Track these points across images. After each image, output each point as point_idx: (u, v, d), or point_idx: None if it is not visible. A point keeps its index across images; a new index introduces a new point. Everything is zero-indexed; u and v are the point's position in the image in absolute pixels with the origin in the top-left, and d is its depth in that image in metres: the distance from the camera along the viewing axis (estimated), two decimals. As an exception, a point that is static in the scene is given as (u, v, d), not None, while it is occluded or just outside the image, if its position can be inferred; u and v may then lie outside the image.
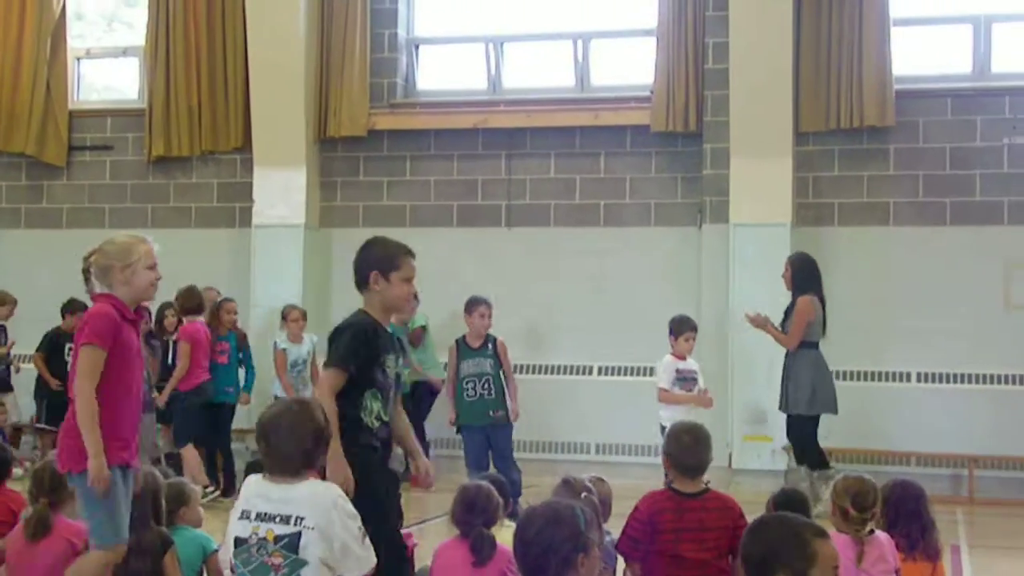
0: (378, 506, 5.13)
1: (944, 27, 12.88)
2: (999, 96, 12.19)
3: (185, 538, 5.58)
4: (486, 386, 9.86)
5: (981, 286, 11.85)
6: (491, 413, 9.86)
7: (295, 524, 4.15)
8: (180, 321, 11.24)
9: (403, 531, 5.61)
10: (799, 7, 12.29)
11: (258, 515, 4.21)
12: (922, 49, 12.73)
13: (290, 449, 4.27)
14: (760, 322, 10.51)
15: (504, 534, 5.52)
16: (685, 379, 9.75)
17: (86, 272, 5.59)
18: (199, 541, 5.68)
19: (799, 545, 3.50)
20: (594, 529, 3.75)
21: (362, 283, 5.59)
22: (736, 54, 12.21)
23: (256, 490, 4.29)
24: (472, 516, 5.41)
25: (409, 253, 5.65)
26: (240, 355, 11.48)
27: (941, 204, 12.20)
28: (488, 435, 9.90)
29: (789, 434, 10.69)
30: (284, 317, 11.53)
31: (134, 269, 5.50)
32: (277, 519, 4.18)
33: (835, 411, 10.45)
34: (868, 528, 5.30)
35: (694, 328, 9.92)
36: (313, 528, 4.14)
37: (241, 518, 4.26)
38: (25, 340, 12.70)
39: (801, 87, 12.35)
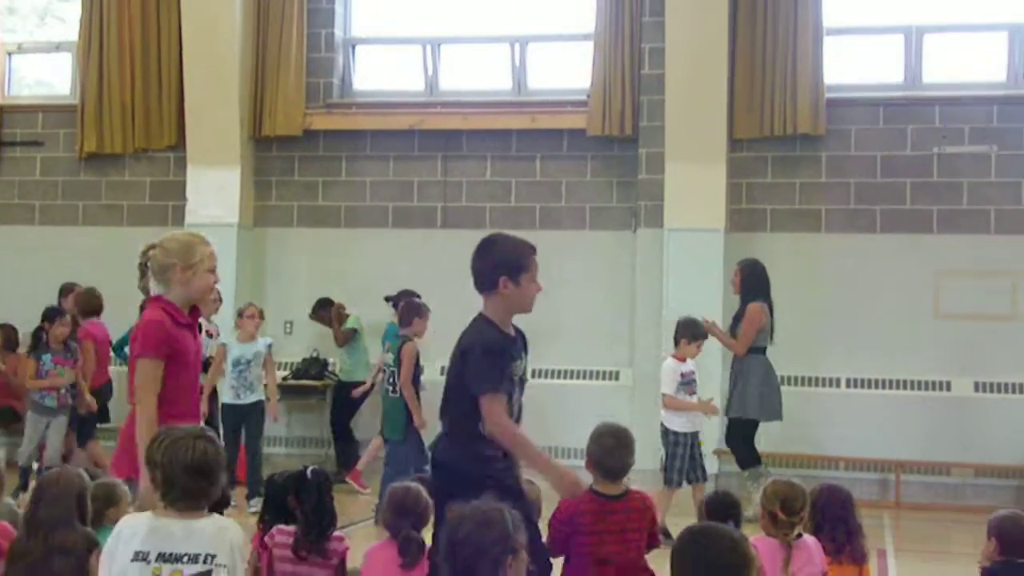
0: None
1: (876, 37, 13.04)
2: (929, 106, 12.36)
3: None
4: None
5: (910, 293, 12.01)
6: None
7: (205, 563, 3.87)
8: (77, 323, 11.16)
9: (336, 534, 5.59)
10: (735, 15, 12.39)
11: (160, 555, 3.87)
12: (855, 59, 12.89)
13: (201, 483, 3.94)
14: (708, 327, 10.51)
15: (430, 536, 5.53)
16: (689, 382, 9.75)
17: (143, 267, 5.39)
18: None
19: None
20: (522, 532, 3.76)
21: (488, 286, 5.23)
22: (672, 60, 12.28)
23: (150, 526, 3.94)
24: (401, 518, 5.40)
25: (533, 250, 5.32)
26: None
27: (872, 212, 12.35)
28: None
29: (729, 439, 10.75)
30: (240, 314, 11.14)
31: (195, 270, 5.35)
32: (185, 558, 3.87)
33: (780, 418, 10.57)
34: (796, 532, 5.35)
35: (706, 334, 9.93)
36: (224, 566, 3.88)
37: (136, 560, 3.89)
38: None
39: (736, 94, 12.45)
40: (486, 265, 5.26)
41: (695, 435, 9.67)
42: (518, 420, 5.08)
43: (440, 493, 4.91)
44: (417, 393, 9.80)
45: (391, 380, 9.90)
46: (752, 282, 10.64)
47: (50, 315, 11.01)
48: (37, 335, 10.96)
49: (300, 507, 5.54)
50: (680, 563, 3.56)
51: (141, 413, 5.09)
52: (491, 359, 5.00)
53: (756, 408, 10.42)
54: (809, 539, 5.40)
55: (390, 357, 10.02)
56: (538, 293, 5.23)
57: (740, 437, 10.54)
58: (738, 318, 10.59)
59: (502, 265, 5.21)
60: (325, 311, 12.55)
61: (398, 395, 9.82)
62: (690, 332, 9.77)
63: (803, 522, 5.43)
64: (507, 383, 5.00)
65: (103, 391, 11.39)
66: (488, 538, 3.64)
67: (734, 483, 11.06)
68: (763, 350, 10.54)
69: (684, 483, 9.53)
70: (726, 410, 10.64)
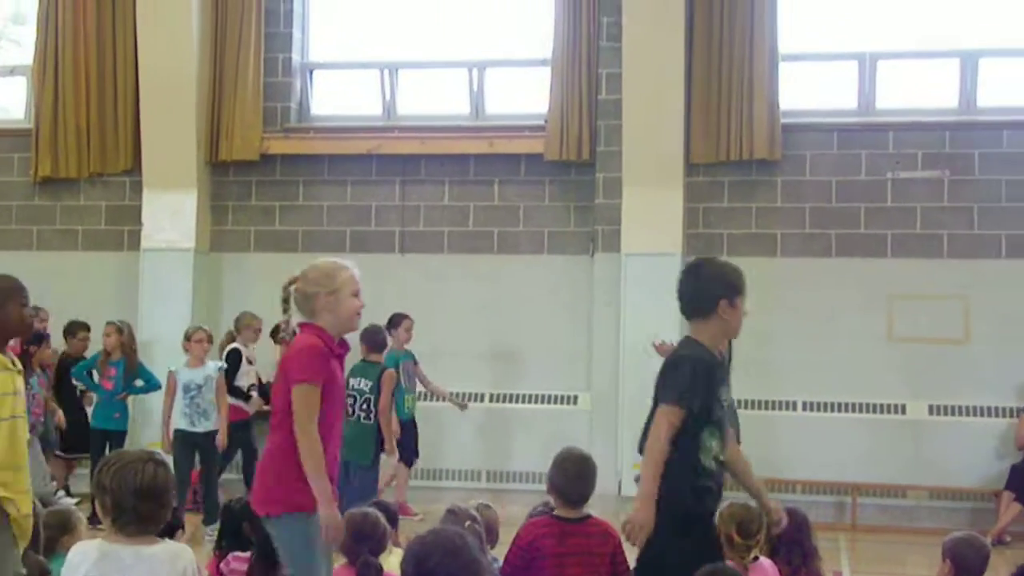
0: (708, 555, 4.72)
1: (831, 63, 13.15)
2: (883, 131, 12.48)
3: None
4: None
5: (865, 317, 12.10)
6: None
7: None
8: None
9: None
10: (691, 42, 12.48)
11: None
12: (809, 84, 13.00)
13: (151, 506, 3.91)
14: (666, 351, 10.46)
15: (391, 560, 5.51)
16: None
17: (286, 302, 5.31)
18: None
19: None
20: (482, 555, 3.78)
21: (706, 311, 5.06)
22: (629, 85, 12.35)
23: (100, 552, 3.92)
24: (359, 543, 5.38)
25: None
26: (131, 380, 11.34)
27: (827, 236, 12.44)
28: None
29: None
30: (188, 338, 10.99)
31: (338, 297, 5.24)
32: None
33: None
34: (752, 555, 5.37)
35: None
36: None
37: None
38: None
39: (692, 119, 12.52)
40: (705, 288, 5.09)
41: None
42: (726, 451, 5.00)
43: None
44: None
45: (364, 407, 9.88)
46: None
47: (36, 339, 10.84)
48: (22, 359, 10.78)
49: (254, 534, 5.51)
50: None
51: (306, 443, 4.90)
52: (696, 377, 4.89)
53: None
54: (765, 562, 5.43)
55: (365, 384, 9.97)
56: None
57: None
58: None
59: (724, 288, 5.10)
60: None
61: (371, 422, 9.81)
62: None
63: (759, 545, 5.46)
64: (713, 405, 4.91)
65: None
66: (457, 564, 3.68)
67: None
68: None
69: None
70: None
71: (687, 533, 4.73)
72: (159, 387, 11.33)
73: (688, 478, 4.80)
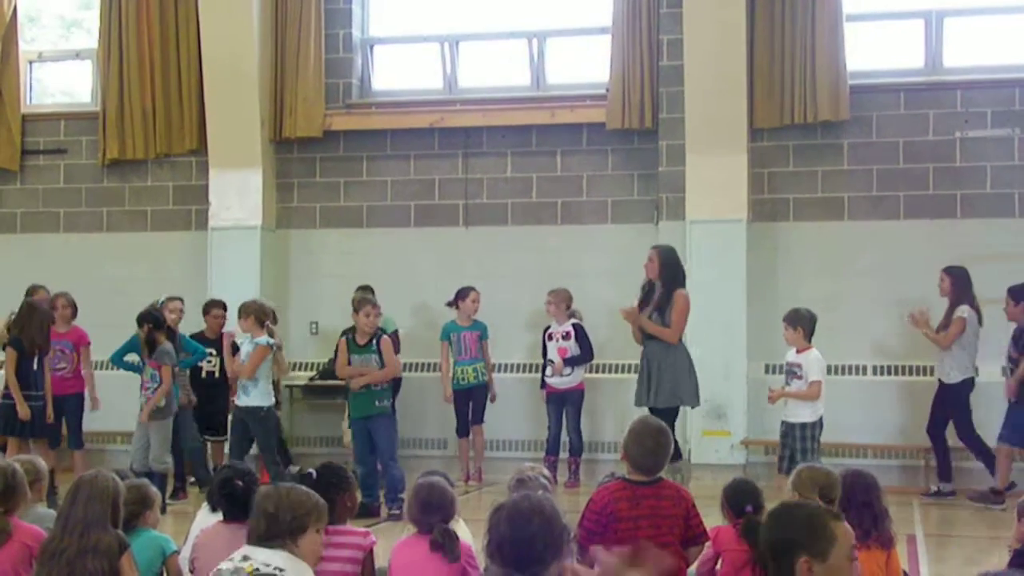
0: None
1: (896, 22, 12.98)
2: (951, 90, 12.29)
3: (145, 540, 5.57)
4: None
5: (935, 280, 11.91)
6: (376, 403, 10.19)
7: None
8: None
9: (358, 530, 5.60)
10: (752, 4, 12.35)
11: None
12: (875, 44, 12.83)
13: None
14: (632, 315, 10.32)
15: (459, 529, 5.54)
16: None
17: None
18: (158, 543, 5.67)
19: (821, 527, 3.65)
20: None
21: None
22: (690, 51, 12.26)
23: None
24: (429, 514, 5.41)
25: None
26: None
27: (895, 198, 12.29)
28: (370, 429, 10.19)
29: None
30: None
31: None
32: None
33: (698, 403, 10.49)
34: None
35: (784, 319, 9.96)
36: None
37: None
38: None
39: (755, 83, 12.41)
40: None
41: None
42: None
43: None
44: None
45: None
46: (673, 269, 10.32)
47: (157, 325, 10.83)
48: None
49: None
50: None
51: None
52: None
53: (694, 396, 10.20)
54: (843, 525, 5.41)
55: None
56: None
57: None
58: (661, 305, 10.18)
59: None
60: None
61: None
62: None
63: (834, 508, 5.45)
64: None
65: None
66: (554, 529, 3.79)
67: (761, 472, 11.10)
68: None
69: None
70: (643, 401, 10.17)
71: None
72: (205, 355, 11.55)
73: None
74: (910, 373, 12.00)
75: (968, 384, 11.16)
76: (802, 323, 9.77)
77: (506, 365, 12.68)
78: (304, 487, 4.78)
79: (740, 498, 5.86)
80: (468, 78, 13.70)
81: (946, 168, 12.19)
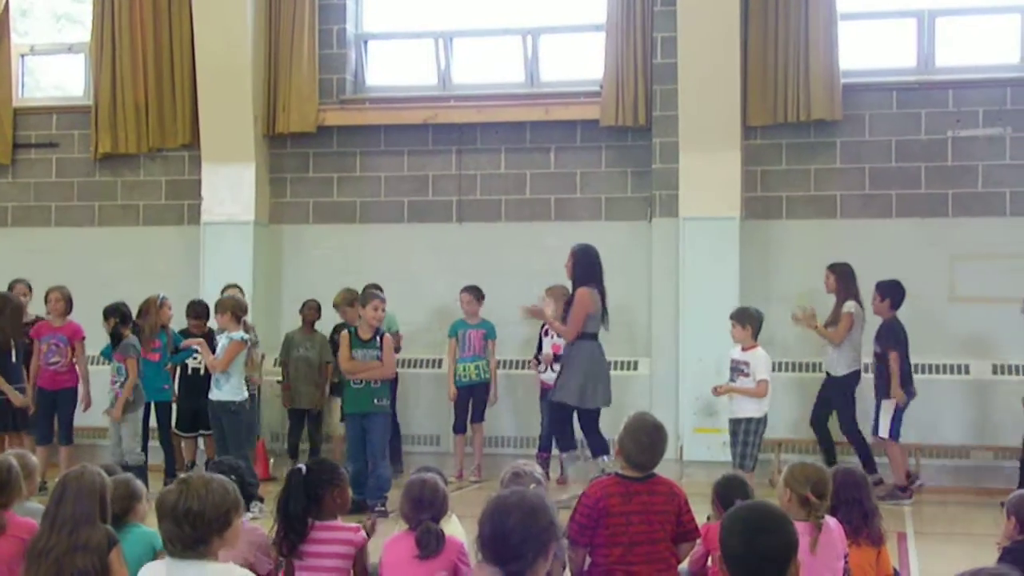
0: None
1: (889, 21, 13.01)
2: (943, 89, 12.33)
3: (135, 535, 5.56)
4: None
5: (926, 277, 11.96)
6: (375, 401, 10.19)
7: None
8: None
9: (349, 525, 5.62)
10: (747, 2, 12.37)
11: None
12: (867, 43, 12.86)
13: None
14: (537, 312, 10.75)
15: (451, 526, 5.56)
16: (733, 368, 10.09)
17: None
18: (148, 538, 5.65)
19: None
20: (557, 517, 3.86)
21: None
22: (684, 49, 12.27)
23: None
24: (419, 511, 5.43)
25: None
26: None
27: (887, 196, 12.33)
28: (364, 426, 10.18)
29: (551, 422, 11.05)
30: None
31: None
32: None
33: (608, 404, 10.58)
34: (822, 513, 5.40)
35: (731, 315, 10.20)
36: None
37: None
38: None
39: (749, 81, 12.43)
40: None
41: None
42: None
43: None
44: None
45: None
46: (583, 268, 10.63)
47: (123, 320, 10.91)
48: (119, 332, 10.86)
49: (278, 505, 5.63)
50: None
51: None
52: None
53: (577, 394, 10.41)
54: (831, 520, 5.42)
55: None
56: None
57: (558, 420, 10.73)
58: (569, 303, 10.59)
59: None
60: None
61: None
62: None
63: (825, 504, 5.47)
64: None
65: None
66: (537, 526, 3.74)
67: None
68: (594, 336, 10.56)
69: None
70: (551, 395, 10.77)
71: None
72: (194, 351, 11.46)
73: None
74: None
75: (854, 377, 11.30)
76: (751, 322, 10.07)
77: (499, 362, 12.66)
78: (217, 475, 4.42)
79: (731, 494, 5.88)
80: (462, 74, 13.70)
81: (938, 167, 12.22)
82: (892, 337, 11.00)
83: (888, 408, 10.93)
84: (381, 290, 10.95)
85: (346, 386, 10.45)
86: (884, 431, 10.93)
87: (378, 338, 10.26)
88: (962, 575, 3.29)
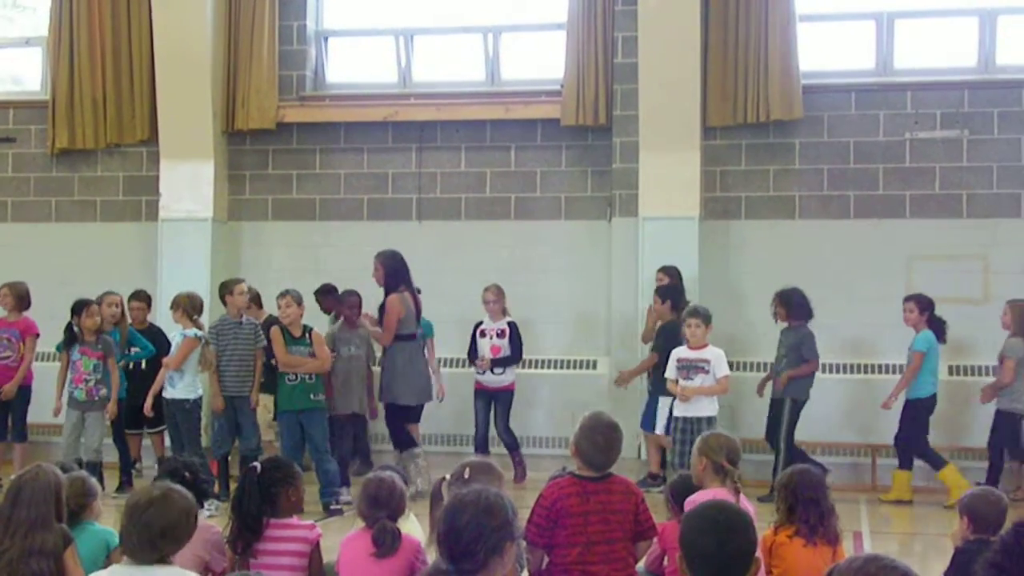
0: None
1: (848, 23, 13.07)
2: (901, 91, 12.41)
3: (89, 533, 5.52)
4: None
5: (884, 278, 12.04)
6: (312, 396, 10.26)
7: None
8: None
9: (303, 523, 5.60)
10: (706, 3, 12.40)
11: None
12: (827, 45, 12.92)
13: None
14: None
15: (408, 525, 5.54)
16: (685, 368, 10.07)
17: None
18: (102, 536, 5.62)
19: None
20: (517, 518, 3.83)
21: None
22: (645, 49, 12.29)
23: None
24: (376, 509, 5.41)
25: None
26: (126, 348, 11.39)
27: (845, 198, 12.40)
28: (302, 423, 10.20)
29: (387, 422, 11.32)
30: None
31: None
32: None
33: (429, 399, 11.29)
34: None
35: (692, 314, 10.15)
36: None
37: None
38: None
39: (708, 82, 12.47)
40: None
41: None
42: None
43: None
44: None
45: None
46: (390, 274, 11.15)
47: (79, 307, 10.75)
48: (70, 329, 10.75)
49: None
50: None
51: None
52: None
53: (406, 392, 11.00)
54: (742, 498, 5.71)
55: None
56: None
57: (395, 420, 11.13)
58: (382, 309, 11.13)
59: None
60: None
61: None
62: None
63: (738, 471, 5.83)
64: None
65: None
66: (491, 524, 3.72)
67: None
68: (411, 336, 11.11)
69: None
70: (379, 396, 11.27)
71: None
72: (154, 352, 11.39)
73: None
74: (860, 371, 12.09)
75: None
76: (709, 321, 10.10)
77: (452, 360, 12.55)
78: (179, 488, 4.49)
79: (685, 494, 5.90)
80: (422, 72, 13.66)
81: (896, 168, 12.31)
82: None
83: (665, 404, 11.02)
84: (336, 291, 11.11)
85: (280, 383, 10.37)
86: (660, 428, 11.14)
87: (308, 334, 10.32)
88: (854, 559, 3.29)
